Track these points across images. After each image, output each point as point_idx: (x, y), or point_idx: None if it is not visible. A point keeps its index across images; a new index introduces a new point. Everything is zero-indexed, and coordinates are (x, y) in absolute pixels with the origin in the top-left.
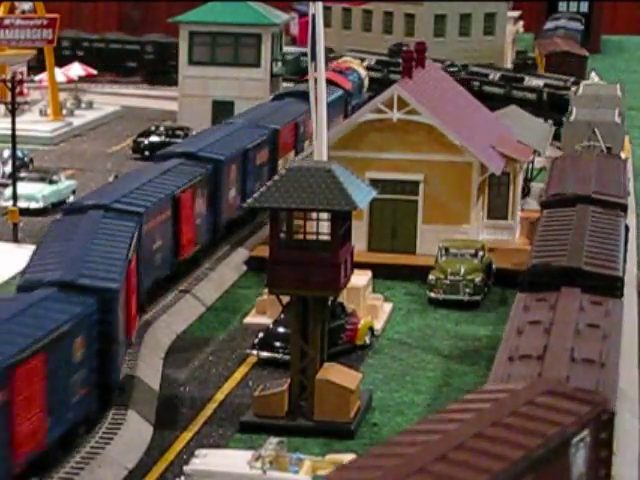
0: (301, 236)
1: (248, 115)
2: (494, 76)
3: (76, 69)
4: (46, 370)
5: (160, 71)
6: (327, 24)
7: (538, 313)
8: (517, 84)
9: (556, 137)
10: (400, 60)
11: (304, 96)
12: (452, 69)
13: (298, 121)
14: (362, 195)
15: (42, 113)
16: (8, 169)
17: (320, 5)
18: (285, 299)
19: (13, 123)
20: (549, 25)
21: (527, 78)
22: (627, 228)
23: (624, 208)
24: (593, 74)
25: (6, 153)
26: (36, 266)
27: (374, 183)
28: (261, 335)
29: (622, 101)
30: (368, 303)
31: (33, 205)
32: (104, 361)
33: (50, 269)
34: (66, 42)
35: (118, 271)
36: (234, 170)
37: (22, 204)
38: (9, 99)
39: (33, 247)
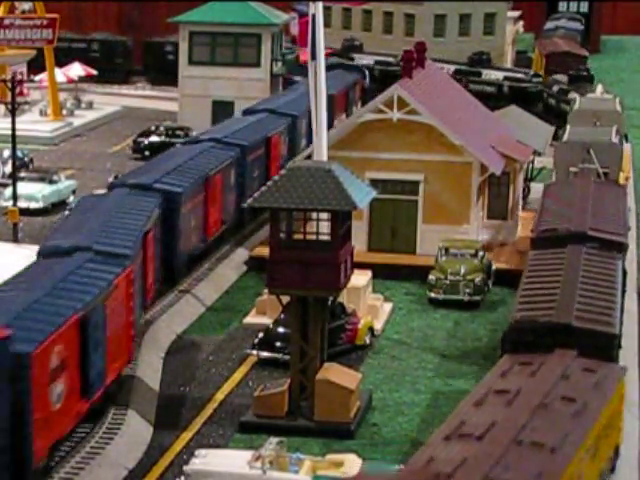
0: (301, 236)
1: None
2: (556, 89)
3: (76, 69)
4: None
5: None
6: (327, 24)
7: (512, 380)
8: (564, 97)
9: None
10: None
11: (351, 68)
12: (536, 79)
13: (349, 88)
14: (362, 195)
15: (42, 113)
16: (8, 169)
17: (320, 5)
18: (285, 299)
19: (13, 123)
20: (549, 25)
21: (571, 92)
22: (625, 272)
23: (623, 247)
24: (600, 87)
25: (6, 153)
26: None
27: (374, 183)
28: (261, 335)
29: (621, 116)
30: (368, 303)
31: (33, 205)
32: None
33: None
34: (170, 47)
35: (187, 181)
36: (304, 125)
37: (22, 204)
38: (9, 99)
39: (33, 247)
